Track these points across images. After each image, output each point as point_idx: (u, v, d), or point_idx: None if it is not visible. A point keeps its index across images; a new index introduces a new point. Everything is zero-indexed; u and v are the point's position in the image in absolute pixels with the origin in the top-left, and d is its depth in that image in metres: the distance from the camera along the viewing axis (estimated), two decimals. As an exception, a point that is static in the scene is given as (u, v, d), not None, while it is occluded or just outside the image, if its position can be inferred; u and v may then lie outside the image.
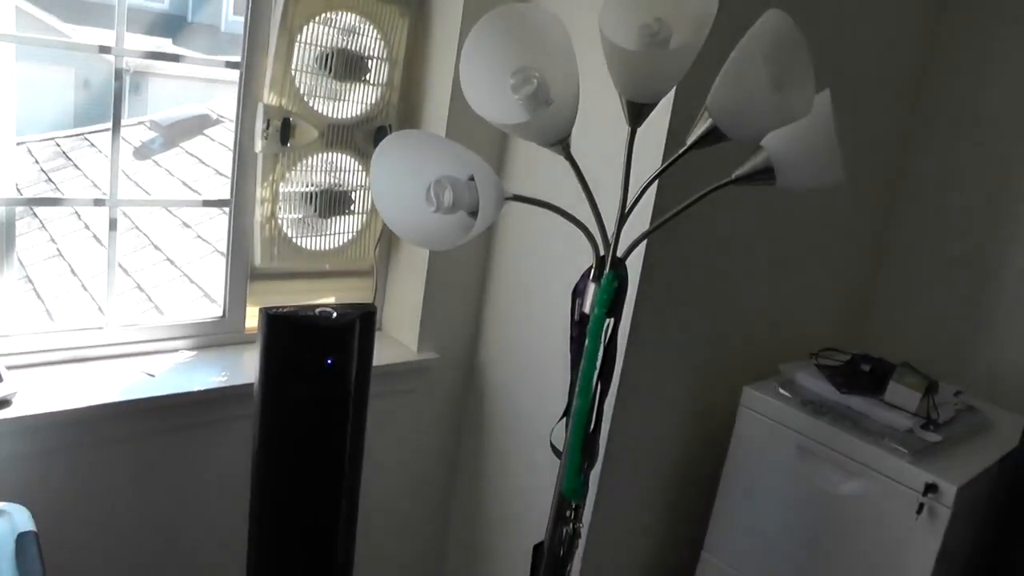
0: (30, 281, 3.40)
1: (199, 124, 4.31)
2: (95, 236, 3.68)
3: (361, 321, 1.70)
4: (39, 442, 1.72)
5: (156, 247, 3.41)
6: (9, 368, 1.75)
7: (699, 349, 2.18)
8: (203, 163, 3.94)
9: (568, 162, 1.57)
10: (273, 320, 1.61)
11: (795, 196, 2.17)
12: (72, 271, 3.52)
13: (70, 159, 4.25)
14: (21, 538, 1.42)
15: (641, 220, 1.81)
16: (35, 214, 3.90)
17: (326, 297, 2.24)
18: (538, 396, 2.18)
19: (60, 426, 1.73)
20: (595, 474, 2.03)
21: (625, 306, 1.92)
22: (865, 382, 2.07)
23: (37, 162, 4.31)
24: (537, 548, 1.81)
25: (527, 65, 1.42)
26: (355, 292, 2.28)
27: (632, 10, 1.43)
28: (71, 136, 4.50)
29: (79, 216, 3.84)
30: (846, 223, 2.51)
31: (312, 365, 1.66)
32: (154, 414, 1.84)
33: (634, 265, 1.91)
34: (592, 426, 1.71)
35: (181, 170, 3.97)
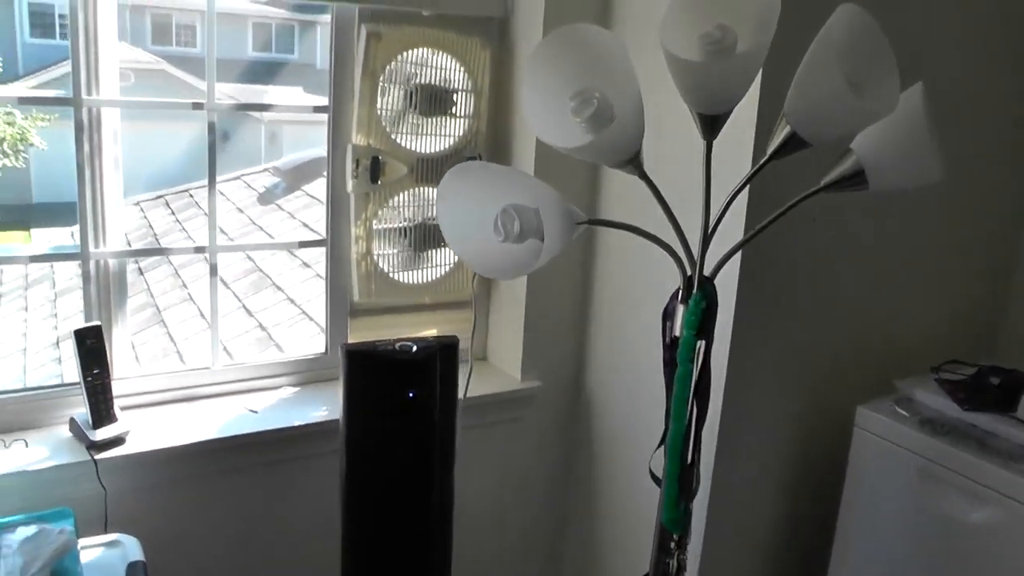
0: (164, 324, 3.62)
1: (318, 167, 4.48)
2: (222, 280, 3.88)
3: (442, 353, 1.70)
4: (148, 477, 1.82)
5: (279, 288, 3.56)
6: (123, 408, 1.85)
7: (807, 368, 2.07)
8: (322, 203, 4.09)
9: (643, 181, 1.53)
10: (353, 356, 1.64)
11: (909, 197, 2.03)
12: (201, 315, 3.71)
13: (201, 207, 4.51)
14: (131, 567, 1.52)
15: (732, 236, 1.73)
16: (170, 261, 4.15)
17: (427, 329, 2.26)
18: (646, 421, 2.11)
19: (167, 461, 1.82)
20: (703, 504, 1.96)
21: (723, 326, 1.86)
22: (993, 397, 1.91)
23: (173, 213, 4.60)
24: (641, 580, 1.76)
25: (586, 86, 1.39)
26: (456, 324, 2.29)
27: (692, 20, 1.38)
28: (199, 187, 4.78)
29: (205, 262, 4.06)
30: (971, 224, 2.33)
31: (394, 399, 1.67)
32: (254, 449, 1.90)
33: (730, 283, 1.84)
34: (691, 454, 1.65)
35: (304, 212, 4.14)
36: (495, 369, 2.32)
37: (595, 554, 2.37)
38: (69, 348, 1.77)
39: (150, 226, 4.51)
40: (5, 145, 7.64)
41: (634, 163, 1.48)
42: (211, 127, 1.93)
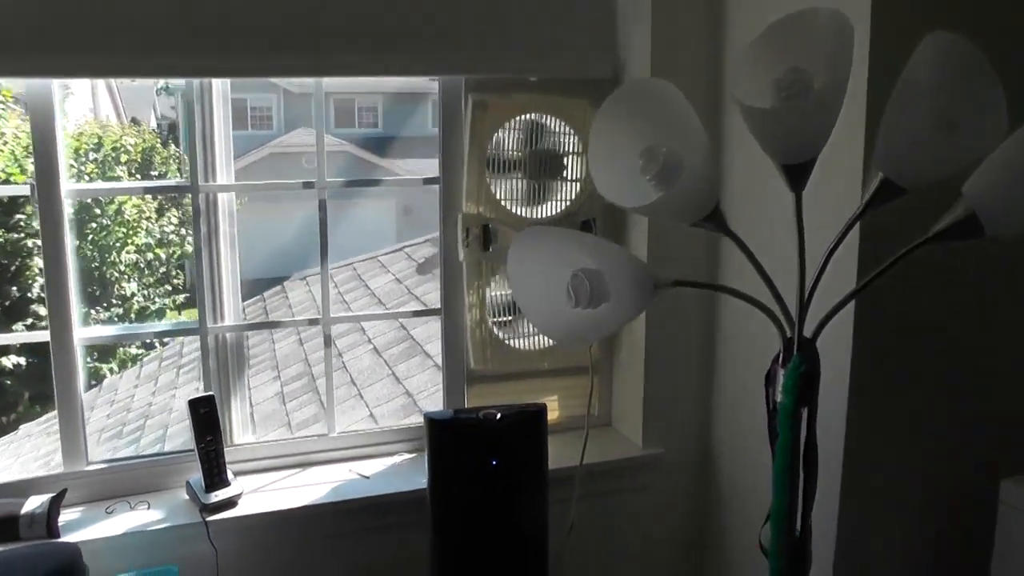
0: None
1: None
2: (375, 348, 4.06)
3: (527, 420, 1.67)
4: (257, 538, 1.88)
5: (427, 355, 3.65)
6: (236, 473, 1.94)
7: (940, 436, 1.86)
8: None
9: (729, 238, 1.46)
10: (435, 425, 1.64)
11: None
12: (352, 382, 3.87)
13: (363, 280, 4.75)
14: None
15: (836, 296, 1.60)
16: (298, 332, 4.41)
17: (546, 395, 2.23)
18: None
19: (276, 523, 1.88)
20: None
21: (838, 391, 1.72)
22: None
23: (336, 286, 4.86)
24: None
25: (654, 143, 1.35)
26: (575, 389, 2.24)
27: (763, 67, 1.32)
28: (365, 260, 5.04)
29: (363, 331, 4.27)
30: None
31: (476, 467, 1.65)
32: (364, 513, 1.93)
33: (843, 345, 1.70)
34: (799, 528, 1.53)
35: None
36: (619, 435, 2.26)
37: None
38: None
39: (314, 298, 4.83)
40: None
41: (714, 220, 1.41)
42: (322, 204, 2.02)
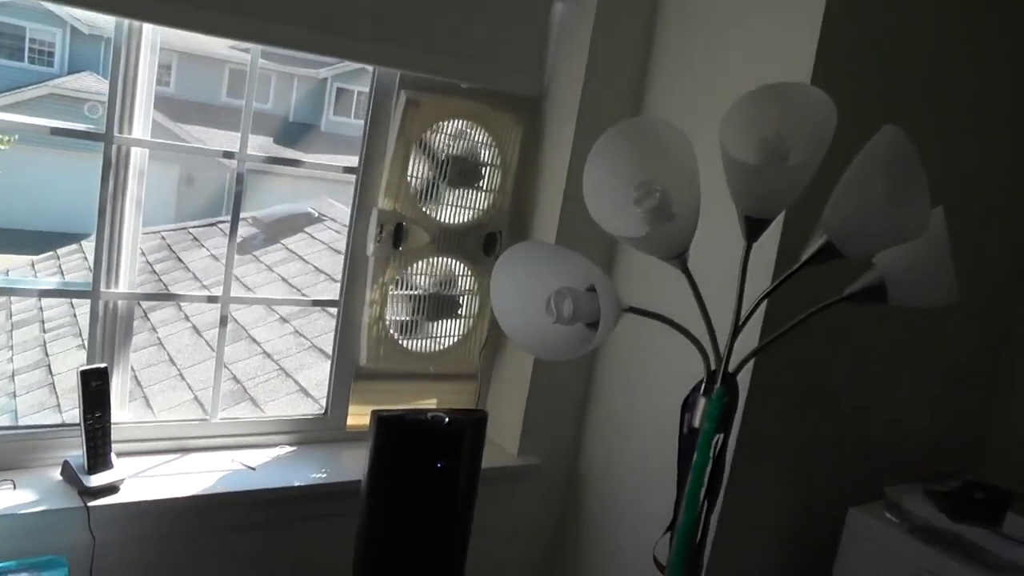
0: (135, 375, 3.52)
1: (301, 222, 4.47)
2: (194, 328, 3.81)
3: (472, 427, 1.70)
4: (141, 527, 1.77)
5: (254, 341, 3.51)
6: (119, 455, 1.79)
7: (805, 466, 2.12)
8: (303, 260, 4.08)
9: (684, 276, 1.57)
10: (385, 422, 1.64)
11: (910, 314, 2.12)
12: (171, 361, 3.64)
13: (173, 252, 4.45)
14: None
15: (751, 334, 1.79)
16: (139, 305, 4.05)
17: (428, 399, 2.26)
18: (639, 506, 2.13)
19: (162, 514, 1.77)
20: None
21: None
22: (979, 511, 1.98)
23: (144, 255, 4.51)
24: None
25: (650, 179, 1.45)
26: (457, 395, 2.29)
27: (753, 124, 1.45)
28: (175, 230, 4.71)
29: (179, 308, 4.00)
30: (964, 340, 2.43)
31: (421, 468, 1.67)
32: (254, 507, 1.87)
33: (742, 379, 1.88)
34: (697, 541, 1.67)
35: (282, 267, 4.12)
36: (492, 444, 2.31)
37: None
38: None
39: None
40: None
41: (680, 258, 1.53)
42: (239, 178, 1.93)
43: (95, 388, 1.70)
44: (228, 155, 1.95)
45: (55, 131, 1.81)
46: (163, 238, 4.72)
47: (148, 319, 3.93)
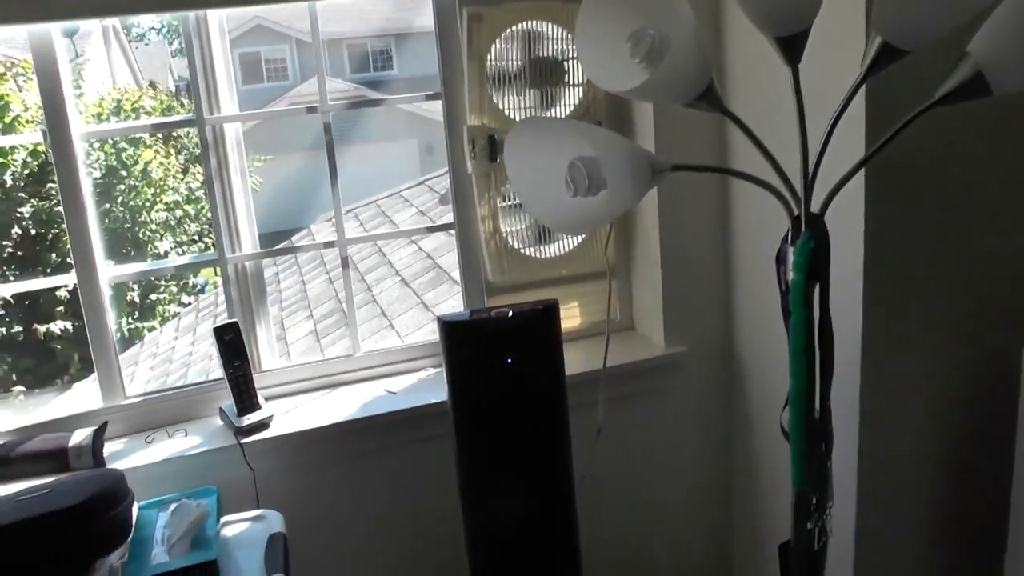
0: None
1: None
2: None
3: (540, 317, 1.68)
4: (291, 457, 1.95)
5: (403, 279, 3.74)
6: (267, 398, 2.00)
7: (958, 308, 1.84)
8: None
9: (726, 116, 1.45)
10: (449, 327, 1.66)
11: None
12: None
13: (387, 215, 4.81)
14: (272, 538, 1.64)
15: (845, 166, 1.58)
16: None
17: (568, 303, 2.25)
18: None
19: (308, 443, 1.94)
20: (851, 466, 1.82)
21: (853, 267, 1.72)
22: None
23: (362, 223, 4.91)
24: (783, 547, 1.66)
25: (642, 26, 1.34)
26: (596, 295, 2.26)
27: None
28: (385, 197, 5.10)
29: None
30: None
31: (493, 367, 1.68)
32: (394, 428, 1.99)
33: (855, 219, 1.70)
34: (819, 409, 1.54)
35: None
36: (642, 338, 2.28)
37: (767, 523, 2.25)
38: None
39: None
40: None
41: (708, 99, 1.40)
42: (327, 127, 2.04)
43: (229, 341, 1.90)
44: (311, 110, 2.05)
45: (156, 127, 2.02)
46: (378, 206, 5.09)
47: (364, 279, 4.31)
